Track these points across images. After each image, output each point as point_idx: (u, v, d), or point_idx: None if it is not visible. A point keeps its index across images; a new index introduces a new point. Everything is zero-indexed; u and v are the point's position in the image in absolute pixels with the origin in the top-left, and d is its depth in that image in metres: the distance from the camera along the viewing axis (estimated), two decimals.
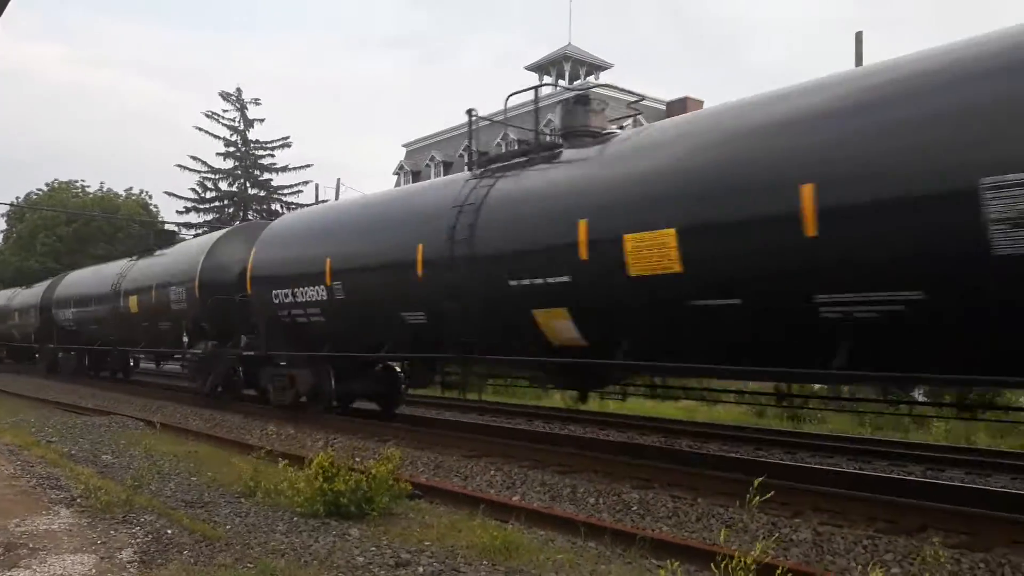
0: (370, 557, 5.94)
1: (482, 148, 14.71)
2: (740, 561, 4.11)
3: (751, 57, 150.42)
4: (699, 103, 36.74)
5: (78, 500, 7.12)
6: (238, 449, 11.16)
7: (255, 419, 15.06)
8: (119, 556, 5.45)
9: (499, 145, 40.46)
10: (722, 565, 4.23)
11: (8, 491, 7.49)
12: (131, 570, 5.14)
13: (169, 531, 6.19)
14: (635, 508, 7.89)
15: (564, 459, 10.13)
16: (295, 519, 7.10)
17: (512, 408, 17.47)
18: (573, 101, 11.38)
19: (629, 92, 39.33)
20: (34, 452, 10.08)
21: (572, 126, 11.08)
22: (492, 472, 9.63)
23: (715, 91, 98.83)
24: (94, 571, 5.08)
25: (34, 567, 5.10)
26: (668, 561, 5.63)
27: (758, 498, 4.70)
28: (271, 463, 9.02)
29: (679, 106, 34.92)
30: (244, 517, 7.19)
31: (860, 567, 6.25)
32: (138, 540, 5.89)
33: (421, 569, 5.70)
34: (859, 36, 20.18)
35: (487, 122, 15.42)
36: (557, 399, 18.40)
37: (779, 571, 4.24)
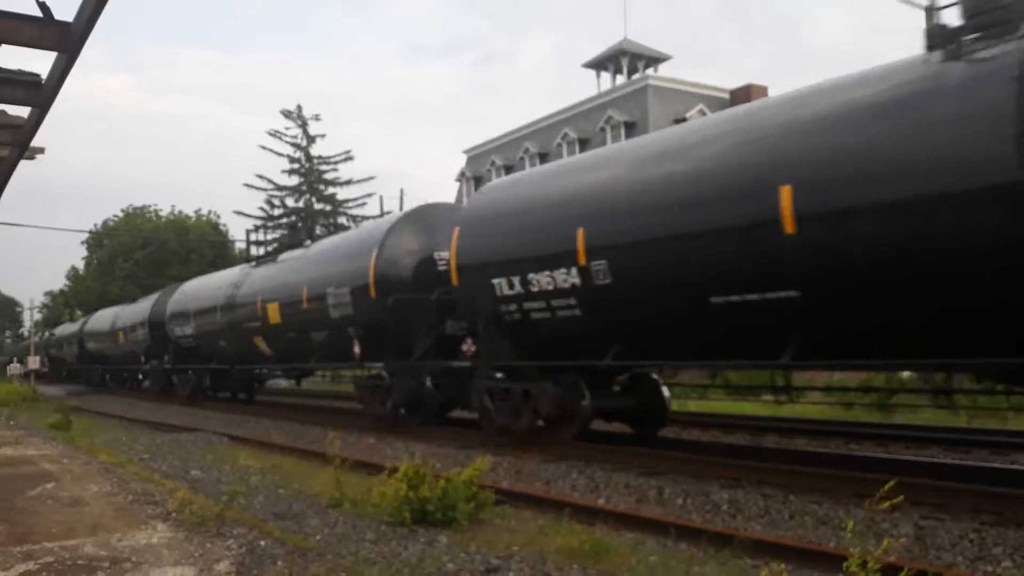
0: (460, 564, 5.92)
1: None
2: (861, 562, 3.91)
3: (812, 38, 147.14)
4: (763, 90, 35.99)
5: (173, 515, 7.28)
6: (320, 461, 11.30)
7: (335, 431, 15.21)
8: (217, 568, 5.54)
9: (559, 146, 40.42)
10: (845, 566, 4.03)
11: (108, 508, 7.72)
12: None
13: (262, 543, 6.27)
14: (725, 508, 7.70)
15: (648, 460, 9.97)
16: (383, 528, 7.13)
17: None
18: None
19: (689, 84, 39.10)
20: (128, 470, 10.39)
21: None
22: (574, 476, 9.54)
23: (778, 75, 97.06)
24: None
25: None
26: (768, 561, 5.48)
27: (887, 502, 4.41)
28: (353, 473, 9.11)
29: (743, 94, 34.24)
30: (333, 527, 7.26)
31: (967, 562, 5.97)
32: (233, 552, 5.98)
33: (512, 574, 5.65)
34: (931, 9, 19.36)
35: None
36: None
37: (904, 572, 4.02)
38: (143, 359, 30.64)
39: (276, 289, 18.89)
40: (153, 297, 30.58)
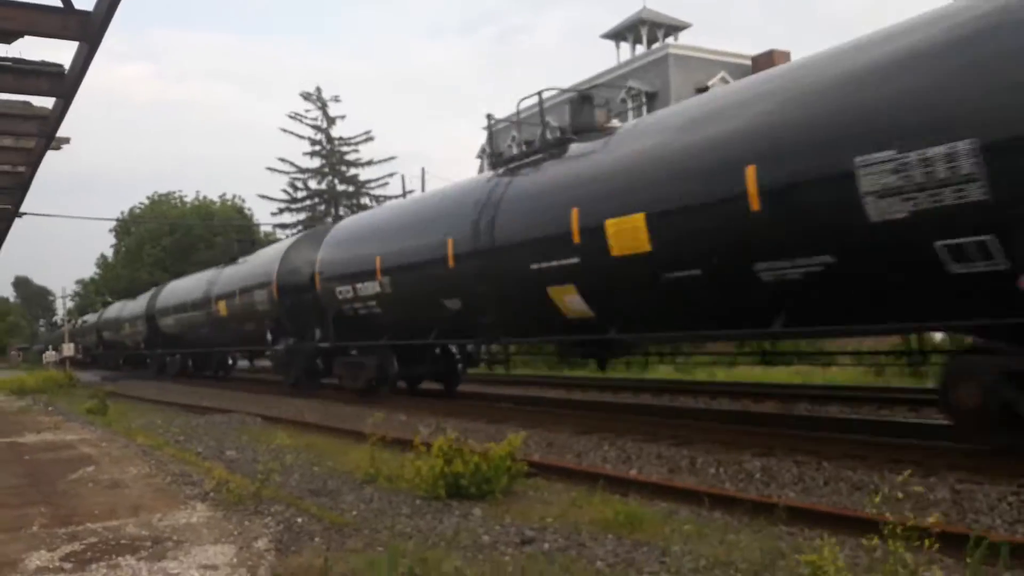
0: (495, 536, 5.97)
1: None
2: (897, 528, 3.89)
3: (830, 4, 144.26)
4: (785, 55, 35.40)
5: (211, 494, 7.40)
6: (353, 438, 11.42)
7: (366, 408, 15.38)
8: (256, 545, 5.63)
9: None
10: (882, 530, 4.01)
11: (147, 489, 7.86)
12: (268, 558, 5.30)
13: (299, 520, 6.36)
14: (758, 476, 7.68)
15: (679, 431, 9.98)
16: (418, 502, 7.20)
17: (619, 383, 17.34)
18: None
19: (710, 52, 38.56)
20: (165, 451, 10.56)
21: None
22: (605, 447, 9.56)
23: (799, 41, 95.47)
24: (235, 560, 5.26)
25: (180, 558, 5.32)
26: (803, 528, 5.49)
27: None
28: (387, 450, 9.19)
29: (766, 60, 33.69)
30: (368, 503, 7.34)
31: (1006, 525, 5.92)
32: (271, 530, 6.07)
33: (547, 545, 5.68)
34: None
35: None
36: (661, 371, 18.15)
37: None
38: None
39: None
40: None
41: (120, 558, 5.37)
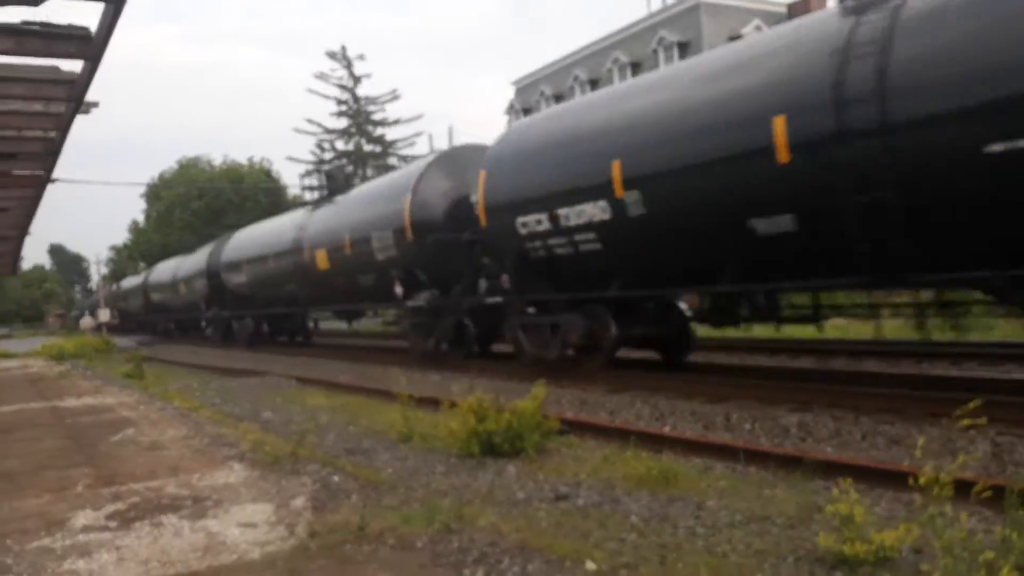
0: (530, 492, 6.00)
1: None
2: (933, 478, 3.82)
3: None
4: (822, 1, 34.41)
5: (248, 455, 7.50)
6: (387, 398, 11.50)
7: (399, 369, 15.48)
8: (294, 503, 5.70)
9: (609, 71, 39.60)
10: (918, 482, 3.95)
11: (186, 450, 8.00)
12: (306, 516, 5.36)
13: (335, 478, 6.43)
14: (794, 431, 7.62)
15: (713, 388, 9.90)
16: (452, 460, 7.25)
17: None
18: None
19: None
20: (202, 414, 10.73)
21: None
22: (638, 405, 9.54)
23: None
24: (274, 518, 5.33)
25: (220, 516, 5.41)
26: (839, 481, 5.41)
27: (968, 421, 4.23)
28: (420, 409, 9.24)
29: (802, 7, 32.77)
30: (403, 461, 7.41)
31: None
32: (308, 488, 6.14)
33: (581, 501, 5.70)
34: None
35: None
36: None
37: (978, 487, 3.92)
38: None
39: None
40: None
41: (162, 516, 5.48)
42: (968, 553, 3.47)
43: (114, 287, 58.13)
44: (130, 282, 50.93)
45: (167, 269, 37.78)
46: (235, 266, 26.52)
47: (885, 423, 7.30)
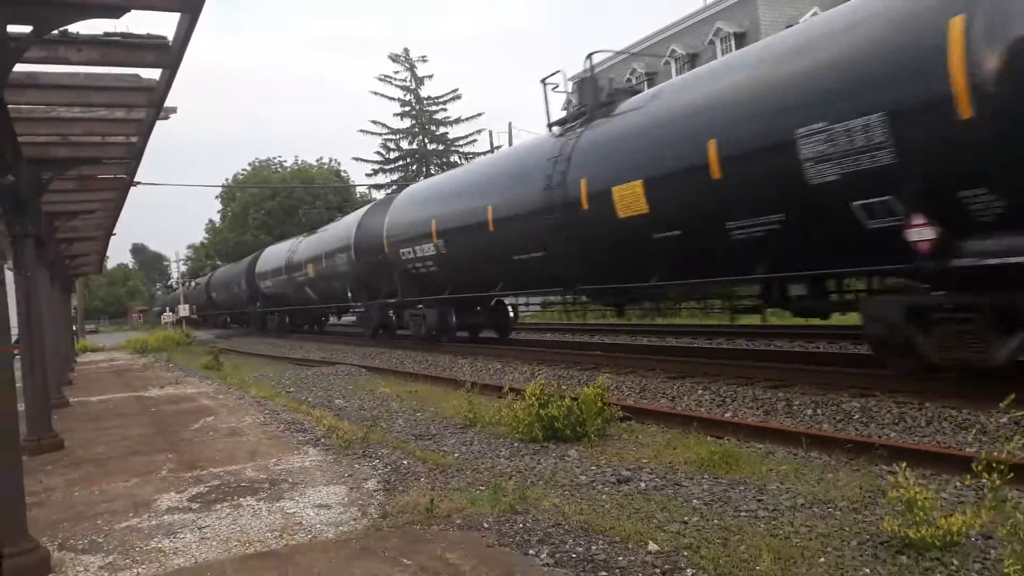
0: (592, 475, 6.13)
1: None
2: (990, 462, 3.82)
3: None
4: None
5: (322, 440, 7.82)
6: (451, 385, 11.77)
7: (463, 357, 15.81)
8: (366, 486, 5.96)
9: (667, 63, 39.17)
10: (974, 467, 3.96)
11: (263, 436, 8.37)
12: (378, 497, 5.61)
13: (405, 462, 6.68)
14: (857, 417, 7.57)
15: (774, 373, 9.88)
16: (516, 444, 7.44)
17: (713, 329, 17.18)
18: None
19: None
20: (278, 402, 11.15)
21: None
22: (699, 392, 9.57)
23: None
24: (347, 500, 5.59)
25: (296, 498, 5.70)
26: (898, 464, 5.40)
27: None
28: (484, 396, 9.45)
29: None
30: (469, 445, 7.63)
31: None
32: (379, 472, 6.41)
33: (643, 484, 5.79)
34: None
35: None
36: (756, 319, 17.85)
37: None
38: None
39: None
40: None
41: (241, 499, 5.79)
42: None
43: (190, 284, 60.39)
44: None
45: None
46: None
47: (951, 408, 7.20)
